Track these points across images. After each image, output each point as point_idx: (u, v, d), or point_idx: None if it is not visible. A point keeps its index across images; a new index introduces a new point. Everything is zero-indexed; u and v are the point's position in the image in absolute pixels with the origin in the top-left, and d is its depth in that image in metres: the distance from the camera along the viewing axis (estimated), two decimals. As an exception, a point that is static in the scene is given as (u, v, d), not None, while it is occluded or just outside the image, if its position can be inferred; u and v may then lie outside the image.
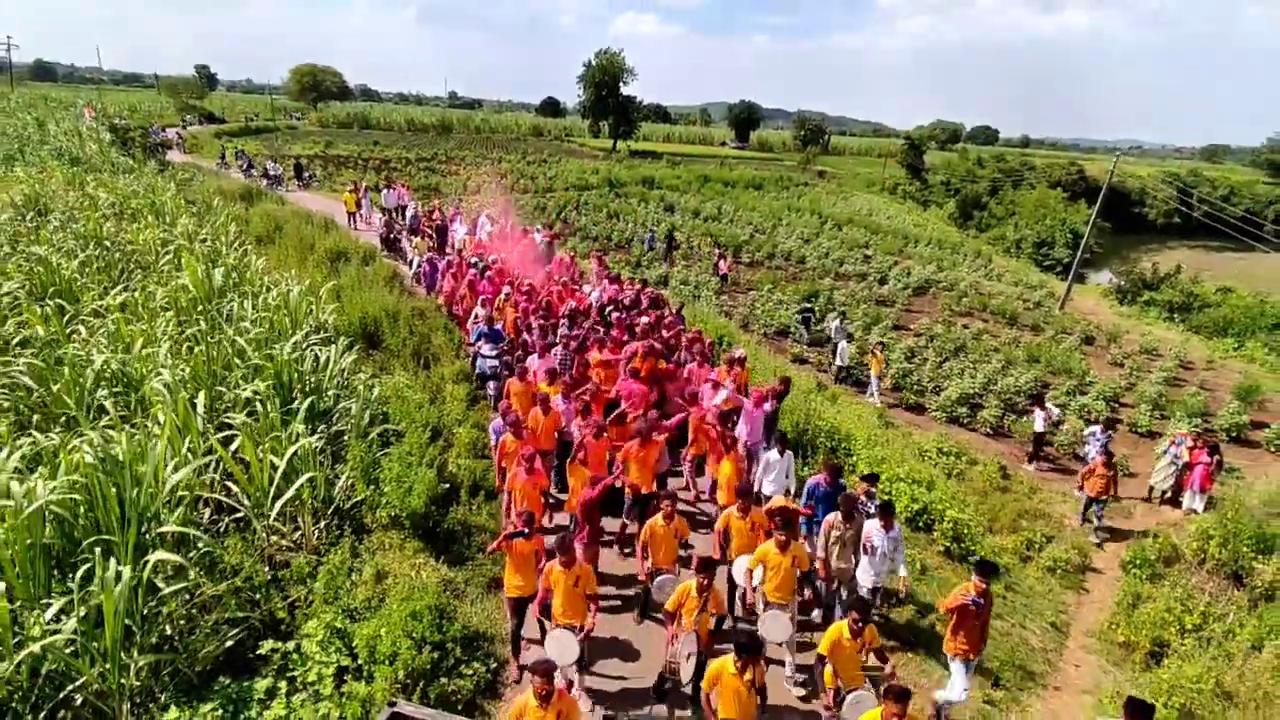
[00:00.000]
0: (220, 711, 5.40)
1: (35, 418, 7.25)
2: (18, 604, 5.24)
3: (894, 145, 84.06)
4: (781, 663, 6.83)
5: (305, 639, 6.11)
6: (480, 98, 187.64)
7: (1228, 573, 10.76)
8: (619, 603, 7.77)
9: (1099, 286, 39.50)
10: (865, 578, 7.24)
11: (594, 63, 65.62)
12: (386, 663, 6.00)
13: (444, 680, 6.21)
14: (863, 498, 7.80)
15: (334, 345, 10.38)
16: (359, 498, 8.13)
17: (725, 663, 5.27)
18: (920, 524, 9.93)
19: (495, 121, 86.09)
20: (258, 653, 5.99)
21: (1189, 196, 68.85)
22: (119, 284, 11.97)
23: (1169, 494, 13.29)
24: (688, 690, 6.09)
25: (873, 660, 6.09)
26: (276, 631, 6.31)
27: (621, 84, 66.37)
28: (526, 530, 6.37)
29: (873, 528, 7.17)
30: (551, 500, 8.91)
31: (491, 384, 11.43)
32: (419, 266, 17.18)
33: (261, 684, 5.72)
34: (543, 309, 12.76)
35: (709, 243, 31.51)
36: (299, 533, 7.68)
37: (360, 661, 6.08)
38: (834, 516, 7.26)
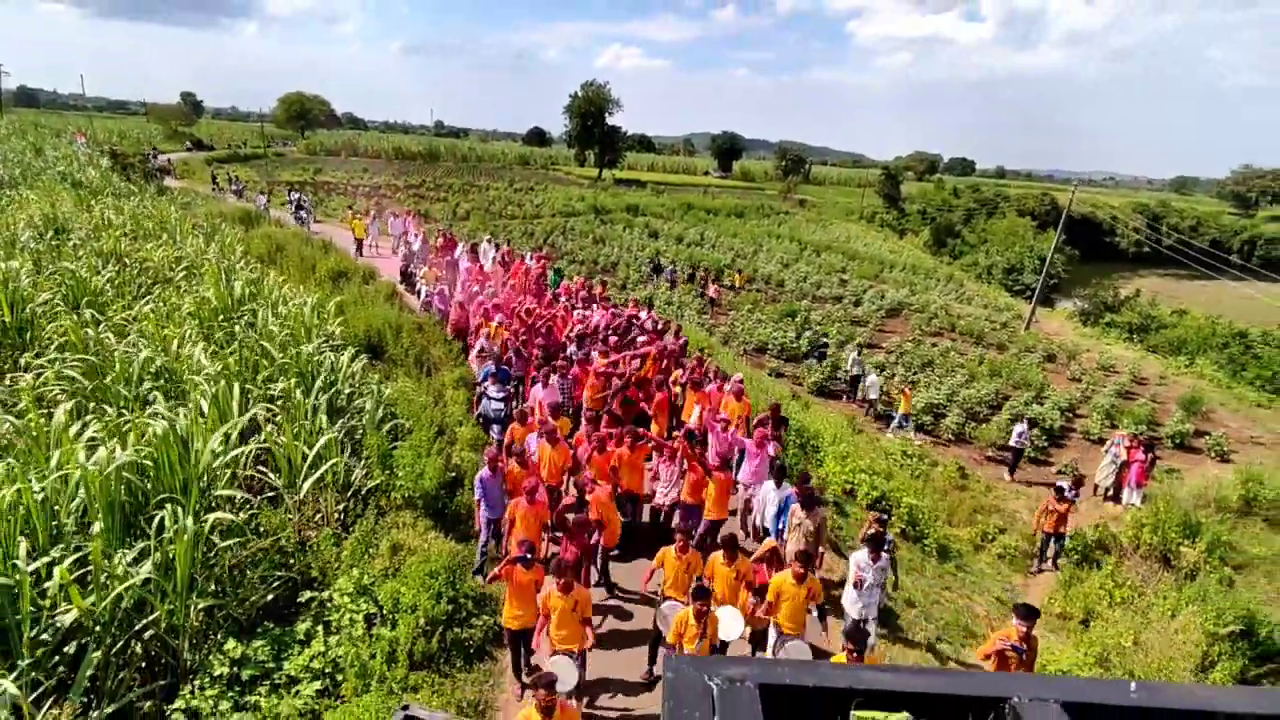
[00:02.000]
0: (268, 647, 6.32)
1: (90, 405, 8.15)
2: (95, 550, 6.14)
3: (873, 176, 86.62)
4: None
5: (337, 592, 7.04)
6: (466, 127, 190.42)
7: (1158, 556, 11.89)
8: (627, 634, 7.65)
9: (1064, 310, 41.24)
10: (853, 610, 7.21)
11: (580, 94, 67.59)
12: (409, 612, 6.93)
13: (458, 629, 7.14)
14: (876, 527, 7.86)
15: (345, 351, 11.38)
16: (374, 482, 9.06)
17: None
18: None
19: (482, 150, 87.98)
20: (297, 602, 6.91)
21: (1157, 227, 71.60)
22: (141, 296, 12.91)
23: (1111, 491, 14.48)
24: None
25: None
26: (311, 588, 7.22)
27: (607, 114, 68.32)
28: (528, 557, 6.34)
29: (860, 560, 7.14)
30: (545, 538, 8.23)
31: (495, 427, 10.51)
32: (428, 296, 17.02)
33: (301, 627, 6.64)
34: (542, 333, 12.82)
35: (710, 271, 32.08)
36: (320, 514, 8.61)
37: (385, 611, 7.01)
38: (795, 507, 7.74)
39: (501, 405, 10.59)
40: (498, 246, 22.49)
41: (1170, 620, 9.55)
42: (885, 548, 7.30)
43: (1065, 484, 12.10)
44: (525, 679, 6.59)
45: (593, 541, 7.72)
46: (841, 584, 7.96)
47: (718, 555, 6.89)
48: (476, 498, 8.19)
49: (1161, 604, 10.22)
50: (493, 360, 11.50)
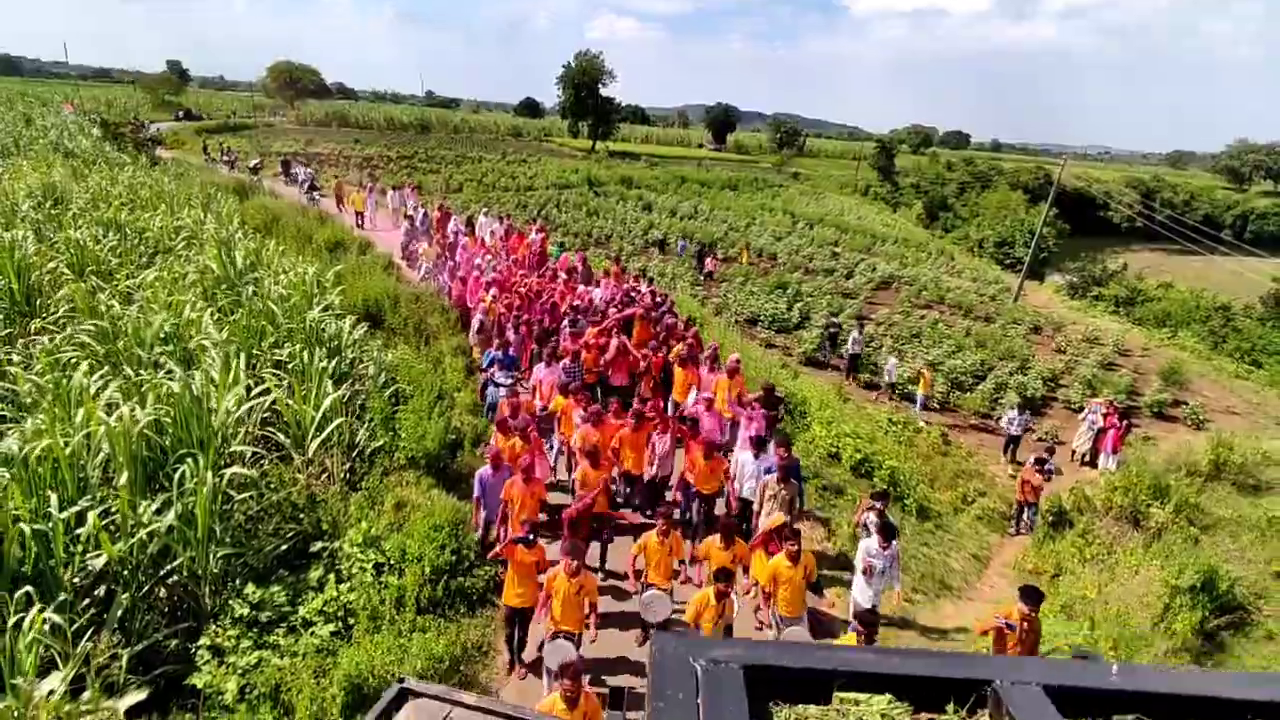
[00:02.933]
0: (284, 593, 6.74)
1: (104, 368, 8.48)
2: (123, 500, 6.53)
3: (868, 149, 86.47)
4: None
5: (346, 543, 7.46)
6: (457, 97, 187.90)
7: (1128, 517, 12.42)
8: (616, 616, 7.48)
9: (1053, 283, 41.70)
10: (863, 598, 7.08)
11: (573, 64, 67.05)
12: (415, 562, 7.36)
13: (461, 578, 7.58)
14: (871, 516, 7.78)
15: (346, 319, 11.70)
16: (378, 443, 9.45)
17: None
18: (863, 471, 11.48)
19: (474, 121, 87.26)
20: (309, 552, 7.33)
21: (1150, 202, 71.91)
22: (144, 265, 13.16)
23: (1087, 456, 15.01)
24: None
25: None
26: (321, 540, 7.64)
27: (600, 85, 67.89)
28: (530, 538, 6.35)
29: (870, 548, 7.06)
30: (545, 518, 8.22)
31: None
32: (429, 273, 16.93)
33: (314, 575, 7.07)
34: (546, 310, 12.79)
35: (713, 248, 31.83)
36: (326, 473, 9.01)
37: (393, 562, 7.43)
38: (770, 477, 7.72)
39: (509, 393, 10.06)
40: (501, 219, 22.52)
41: (1134, 575, 10.08)
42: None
43: (1046, 455, 12.49)
44: (522, 658, 6.71)
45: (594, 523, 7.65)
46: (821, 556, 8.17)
47: (713, 540, 6.81)
48: (475, 495, 7.69)
49: (1127, 560, 10.77)
50: (494, 338, 11.19)
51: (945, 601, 9.22)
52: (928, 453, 14.80)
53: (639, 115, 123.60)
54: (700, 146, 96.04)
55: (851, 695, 1.12)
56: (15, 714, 4.17)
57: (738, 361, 10.63)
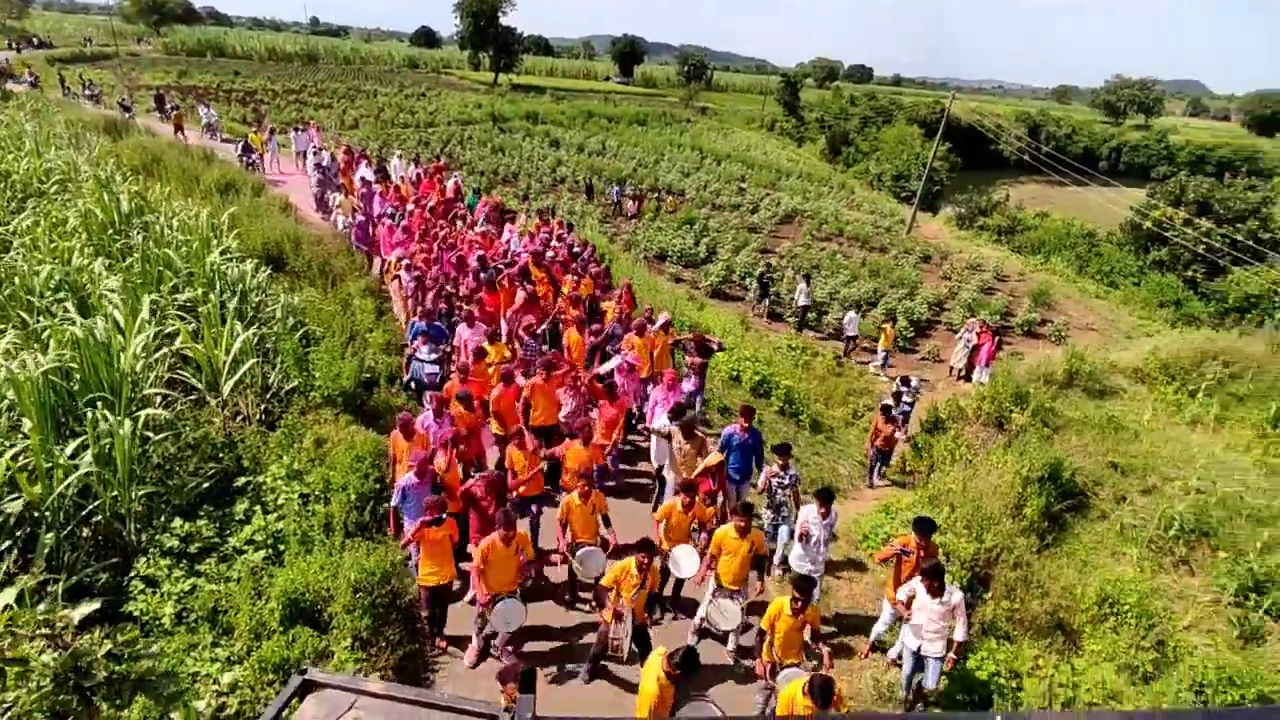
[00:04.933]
0: (212, 526, 6.99)
1: (-9, 319, 8.21)
2: (34, 445, 6.55)
3: (774, 83, 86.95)
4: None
5: (270, 477, 7.70)
6: (346, 25, 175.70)
7: (994, 422, 13.99)
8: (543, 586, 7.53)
9: (944, 215, 44.07)
10: (800, 566, 7.07)
11: (471, -9, 63.92)
12: (340, 490, 7.70)
13: (387, 504, 7.96)
14: (776, 470, 7.63)
15: (247, 262, 11.50)
16: (293, 384, 9.57)
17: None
18: (761, 391, 12.42)
19: (366, 52, 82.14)
20: (233, 488, 7.55)
21: (1037, 135, 75.89)
22: (15, 210, 12.37)
23: (963, 371, 16.58)
24: (629, 665, 6.13)
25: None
26: (245, 475, 7.84)
27: (500, 14, 65.20)
28: (441, 518, 6.18)
29: (810, 515, 7.02)
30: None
31: (430, 394, 8.87)
32: (346, 227, 15.66)
33: (240, 508, 7.32)
34: (453, 264, 12.17)
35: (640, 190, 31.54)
36: (241, 415, 9.10)
37: (318, 492, 7.75)
38: (677, 435, 7.64)
39: (436, 369, 9.43)
40: (415, 161, 21.63)
41: (994, 470, 11.51)
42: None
43: (892, 403, 11.74)
44: (442, 632, 6.64)
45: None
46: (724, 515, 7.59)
47: (674, 500, 6.87)
48: (394, 504, 6.88)
49: (989, 459, 12.23)
50: (423, 317, 10.01)
51: (834, 505, 10.30)
52: (823, 374, 15.99)
53: (543, 46, 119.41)
54: (607, 80, 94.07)
55: None
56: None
57: (648, 318, 10.48)
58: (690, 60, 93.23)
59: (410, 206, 15.56)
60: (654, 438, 8.60)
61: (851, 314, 18.39)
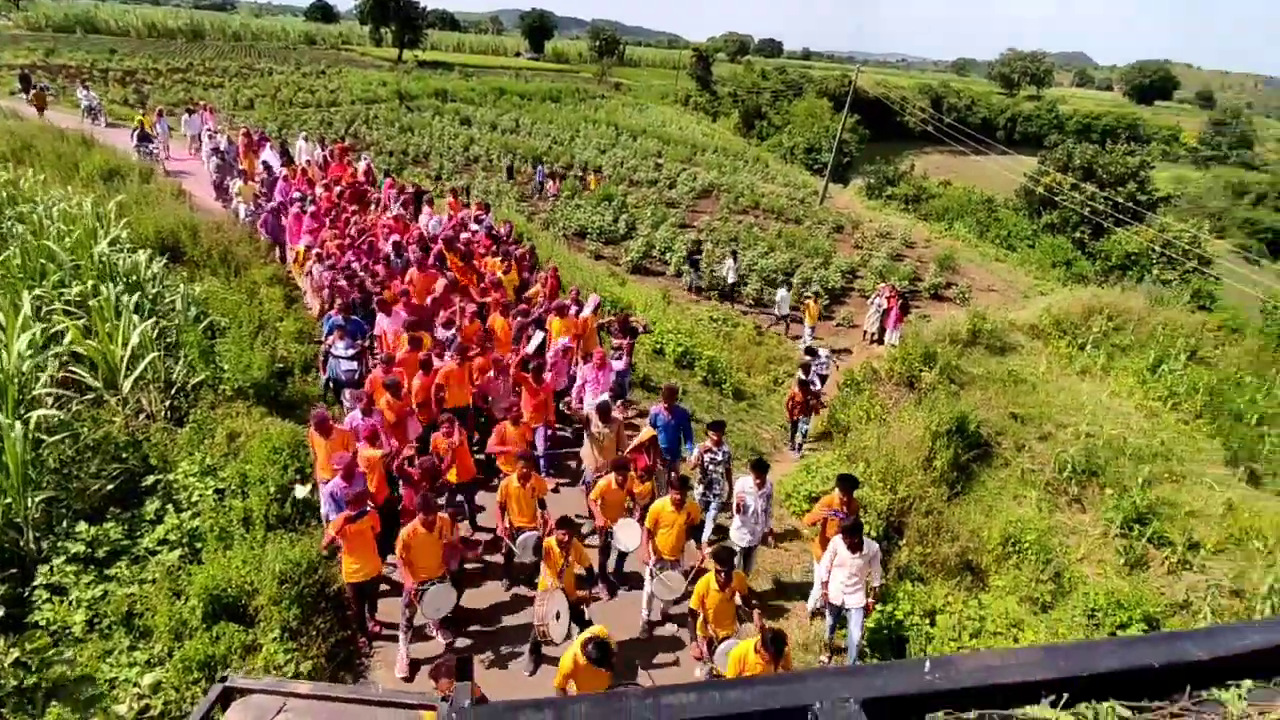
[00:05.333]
0: (120, 528, 6.67)
1: None
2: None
3: (686, 57, 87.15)
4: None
5: (181, 475, 7.38)
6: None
7: (905, 382, 14.71)
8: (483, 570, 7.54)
9: (855, 185, 45.52)
10: (740, 537, 7.27)
11: (370, -38, 61.16)
12: (258, 484, 7.45)
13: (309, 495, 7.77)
14: (709, 445, 7.66)
15: (140, 252, 10.84)
16: (200, 378, 9.14)
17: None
18: (685, 363, 12.66)
19: (257, 27, 77.65)
20: (141, 488, 7.20)
21: (939, 107, 78.89)
22: None
23: (876, 334, 17.32)
24: (562, 648, 5.88)
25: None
26: (153, 474, 7.49)
27: (403, -13, 62.65)
28: (365, 511, 6.09)
29: (745, 486, 7.15)
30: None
31: (348, 393, 8.76)
32: (249, 217, 14.75)
33: (150, 507, 7.01)
34: (363, 250, 11.80)
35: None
36: (144, 412, 8.64)
37: (234, 487, 7.48)
38: (595, 419, 7.77)
39: (354, 365, 8.94)
40: (321, 143, 20.59)
41: (906, 426, 12.15)
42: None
43: (803, 373, 11.81)
44: (369, 626, 6.56)
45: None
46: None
47: (609, 478, 6.94)
48: (324, 511, 6.83)
49: (901, 416, 12.89)
50: (339, 311, 9.44)
51: (768, 473, 10.67)
52: (744, 344, 16.39)
53: (448, 21, 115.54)
54: (517, 55, 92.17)
55: None
56: None
57: (576, 300, 10.58)
58: (602, 35, 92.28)
59: (320, 190, 14.95)
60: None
61: (782, 292, 18.45)
